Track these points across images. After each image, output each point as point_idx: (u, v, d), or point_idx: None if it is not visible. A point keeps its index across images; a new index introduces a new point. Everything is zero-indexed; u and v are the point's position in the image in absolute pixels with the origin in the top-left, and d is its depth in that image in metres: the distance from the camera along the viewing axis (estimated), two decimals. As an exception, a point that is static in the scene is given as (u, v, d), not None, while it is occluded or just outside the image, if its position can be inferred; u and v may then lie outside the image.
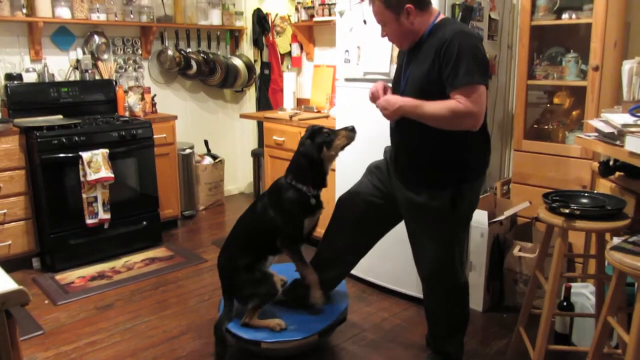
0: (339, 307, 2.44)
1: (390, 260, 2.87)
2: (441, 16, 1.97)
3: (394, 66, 2.80)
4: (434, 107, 1.85)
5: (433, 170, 1.99)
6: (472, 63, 1.80)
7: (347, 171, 3.13)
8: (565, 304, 2.36)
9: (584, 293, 2.42)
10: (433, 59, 1.86)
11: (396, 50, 2.79)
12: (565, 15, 2.72)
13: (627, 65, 2.27)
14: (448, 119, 1.85)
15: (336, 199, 3.23)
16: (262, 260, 2.37)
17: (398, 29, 1.94)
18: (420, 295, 2.83)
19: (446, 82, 1.85)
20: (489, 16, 2.96)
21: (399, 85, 2.06)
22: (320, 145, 2.24)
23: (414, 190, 2.03)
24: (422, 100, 1.87)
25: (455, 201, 1.96)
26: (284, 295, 2.50)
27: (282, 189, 2.31)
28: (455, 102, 1.82)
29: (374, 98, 2.11)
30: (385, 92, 2.12)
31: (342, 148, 2.28)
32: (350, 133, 2.26)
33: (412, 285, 2.89)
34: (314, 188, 2.28)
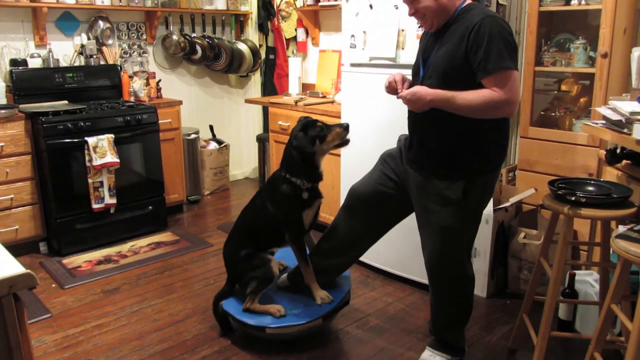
0: (342, 290, 2.46)
1: (394, 245, 2.87)
2: (468, 0, 1.92)
3: (400, 51, 2.79)
4: (468, 98, 1.80)
5: (448, 160, 1.96)
6: (503, 48, 1.76)
7: (352, 157, 3.13)
8: (569, 291, 2.37)
9: (588, 281, 2.43)
10: (459, 44, 1.82)
11: (402, 35, 2.77)
12: (574, 1, 2.69)
13: (637, 53, 2.25)
14: (484, 109, 1.81)
15: (341, 185, 3.25)
16: (265, 250, 2.40)
17: (433, 5, 1.87)
18: (424, 281, 2.85)
19: (477, 68, 1.80)
20: (497, 1, 2.92)
21: (419, 71, 2.02)
22: (314, 138, 2.21)
23: (426, 178, 2.01)
24: (453, 92, 1.81)
25: (467, 193, 1.94)
26: (288, 280, 2.52)
27: (278, 182, 2.31)
28: (489, 92, 1.78)
29: (390, 89, 2.04)
30: (403, 84, 2.04)
31: (335, 146, 2.26)
32: (343, 131, 2.23)
33: (416, 271, 2.90)
34: (308, 181, 2.26)
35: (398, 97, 1.94)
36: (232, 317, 2.36)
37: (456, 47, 1.83)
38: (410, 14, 1.97)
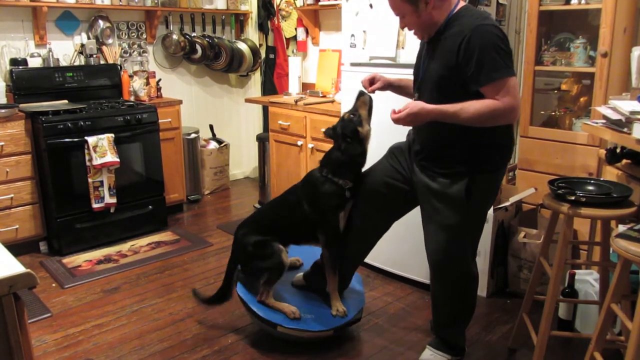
0: (356, 307, 2.45)
1: (395, 245, 2.87)
2: (461, 4, 1.91)
3: (400, 50, 2.79)
4: (471, 111, 1.79)
5: (452, 159, 1.96)
6: (496, 57, 1.76)
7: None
8: (569, 290, 2.37)
9: (588, 280, 2.43)
10: (450, 55, 1.82)
11: (402, 34, 2.77)
12: (574, 1, 2.69)
13: (637, 52, 2.25)
14: (488, 119, 1.81)
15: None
16: (282, 245, 2.39)
17: (418, 21, 1.89)
18: (424, 280, 2.85)
19: (470, 79, 1.80)
20: (497, 1, 2.92)
21: (417, 79, 2.04)
22: (355, 130, 2.22)
23: (431, 177, 2.01)
24: (455, 107, 1.81)
25: (471, 192, 1.94)
26: (304, 279, 2.52)
27: (318, 183, 2.30)
28: (492, 102, 1.78)
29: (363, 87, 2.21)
30: (371, 83, 2.18)
31: (369, 116, 2.25)
32: (363, 98, 2.24)
33: (416, 270, 2.90)
34: (351, 180, 2.27)
35: (393, 119, 1.92)
36: (246, 305, 2.35)
37: (448, 59, 1.84)
38: (401, 27, 2.01)
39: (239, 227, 2.50)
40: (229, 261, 2.50)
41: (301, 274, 2.55)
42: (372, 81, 2.20)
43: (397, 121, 1.89)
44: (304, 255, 2.67)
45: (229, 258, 2.50)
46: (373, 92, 2.21)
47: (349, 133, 2.23)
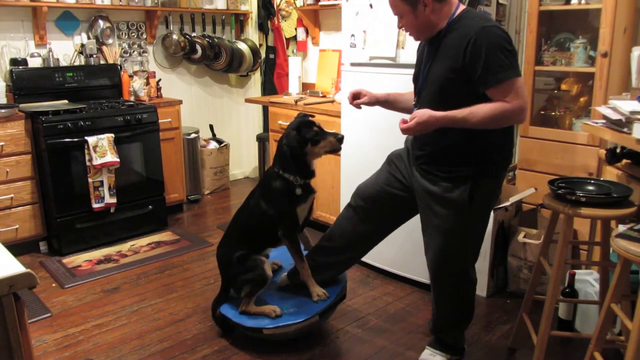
0: (338, 286, 2.45)
1: (395, 245, 2.87)
2: (461, 7, 1.89)
3: (400, 50, 2.79)
4: (482, 113, 1.77)
5: (454, 162, 1.94)
6: (502, 58, 1.75)
7: (352, 157, 3.13)
8: (569, 290, 2.37)
9: (588, 280, 2.43)
10: (456, 58, 1.80)
11: (402, 34, 2.77)
12: (574, 1, 2.69)
13: (637, 52, 2.25)
14: (497, 121, 1.80)
15: (341, 184, 3.26)
16: (260, 252, 2.39)
17: (415, 22, 1.88)
18: (424, 280, 2.85)
19: (478, 82, 1.79)
20: (497, 1, 2.92)
21: (418, 79, 2.02)
22: (306, 140, 2.21)
23: (432, 181, 1.99)
24: (463, 112, 1.79)
25: (473, 195, 1.92)
26: (288, 278, 2.52)
27: (271, 179, 2.31)
28: (501, 103, 1.77)
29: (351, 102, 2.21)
30: (355, 98, 2.18)
31: (326, 152, 2.26)
32: (337, 143, 2.23)
33: (416, 270, 2.90)
34: (302, 178, 2.26)
35: (402, 129, 1.89)
36: (230, 320, 2.35)
37: (452, 61, 1.82)
38: (398, 27, 1.98)
39: (218, 247, 2.50)
40: (222, 283, 2.48)
41: (285, 274, 2.55)
42: (357, 96, 2.19)
43: (406, 131, 1.86)
44: (282, 257, 2.66)
45: (220, 282, 2.50)
46: (357, 106, 2.20)
47: (305, 137, 2.20)
